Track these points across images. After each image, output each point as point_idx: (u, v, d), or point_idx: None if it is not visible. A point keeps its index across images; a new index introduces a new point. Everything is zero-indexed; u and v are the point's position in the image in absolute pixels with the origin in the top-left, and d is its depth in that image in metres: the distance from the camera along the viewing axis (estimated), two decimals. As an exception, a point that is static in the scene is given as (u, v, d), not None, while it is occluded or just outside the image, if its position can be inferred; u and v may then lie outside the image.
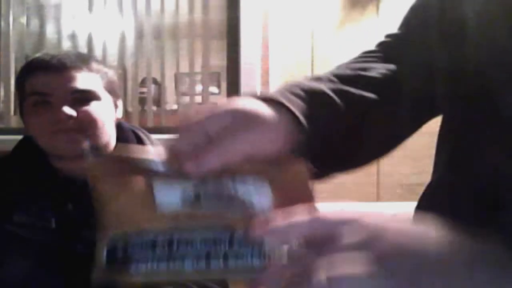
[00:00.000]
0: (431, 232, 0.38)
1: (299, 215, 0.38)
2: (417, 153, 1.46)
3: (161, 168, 0.40)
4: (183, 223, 0.37)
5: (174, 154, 0.42)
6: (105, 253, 0.36)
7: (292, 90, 0.52)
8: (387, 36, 0.66)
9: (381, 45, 0.65)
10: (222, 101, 0.47)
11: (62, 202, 1.02)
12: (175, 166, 0.40)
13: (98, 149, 1.03)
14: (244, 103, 0.47)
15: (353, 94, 0.54)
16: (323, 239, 0.37)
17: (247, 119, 0.45)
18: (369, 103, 0.55)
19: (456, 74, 0.53)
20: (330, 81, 0.56)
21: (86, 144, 0.99)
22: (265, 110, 0.47)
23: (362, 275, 0.35)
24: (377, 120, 0.55)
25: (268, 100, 0.49)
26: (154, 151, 0.41)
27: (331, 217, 0.38)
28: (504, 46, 0.48)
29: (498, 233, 0.36)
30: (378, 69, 0.59)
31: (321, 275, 0.34)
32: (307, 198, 0.42)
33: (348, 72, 0.59)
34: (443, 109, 0.59)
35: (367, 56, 0.63)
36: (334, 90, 0.54)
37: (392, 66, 0.61)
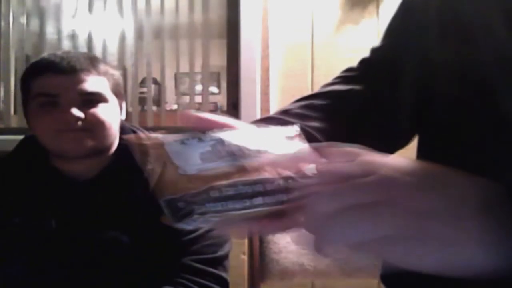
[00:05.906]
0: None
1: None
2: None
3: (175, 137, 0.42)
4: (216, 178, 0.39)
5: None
6: (168, 210, 0.38)
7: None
8: (372, 51, 0.67)
9: (362, 62, 0.67)
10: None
11: (62, 202, 1.02)
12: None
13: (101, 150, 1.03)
14: None
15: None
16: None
17: None
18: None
19: (456, 76, 0.53)
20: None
21: (91, 144, 0.99)
22: None
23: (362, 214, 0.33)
24: None
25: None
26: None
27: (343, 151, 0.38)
28: (505, 46, 0.48)
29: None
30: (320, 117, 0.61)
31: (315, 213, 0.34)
32: None
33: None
34: (437, 114, 0.58)
35: (341, 77, 0.67)
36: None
37: (359, 89, 0.63)
